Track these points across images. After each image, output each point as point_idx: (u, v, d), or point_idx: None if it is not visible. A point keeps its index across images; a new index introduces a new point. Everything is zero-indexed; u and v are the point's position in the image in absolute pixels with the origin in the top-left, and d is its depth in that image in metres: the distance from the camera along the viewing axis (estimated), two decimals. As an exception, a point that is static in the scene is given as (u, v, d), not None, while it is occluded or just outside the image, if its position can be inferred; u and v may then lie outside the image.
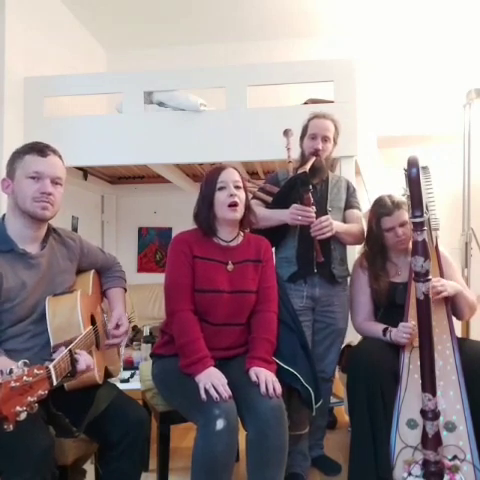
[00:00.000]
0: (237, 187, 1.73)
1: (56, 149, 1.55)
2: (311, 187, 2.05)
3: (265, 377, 1.56)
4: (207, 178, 1.76)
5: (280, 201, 2.11)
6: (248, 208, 1.79)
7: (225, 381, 1.54)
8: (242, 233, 1.83)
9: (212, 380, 1.51)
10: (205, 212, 1.74)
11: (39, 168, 1.47)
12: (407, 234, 1.99)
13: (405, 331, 1.80)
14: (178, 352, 1.66)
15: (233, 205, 1.70)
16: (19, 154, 1.50)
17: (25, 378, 1.02)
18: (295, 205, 2.01)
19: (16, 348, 1.41)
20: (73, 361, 1.28)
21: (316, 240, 2.01)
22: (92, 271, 1.76)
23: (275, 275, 1.86)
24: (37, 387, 1.05)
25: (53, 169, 1.50)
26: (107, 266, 1.84)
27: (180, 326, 1.67)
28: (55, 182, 1.51)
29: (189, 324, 1.66)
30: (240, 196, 1.73)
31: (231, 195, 1.70)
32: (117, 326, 1.69)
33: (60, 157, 1.55)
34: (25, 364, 1.05)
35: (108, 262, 1.85)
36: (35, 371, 1.06)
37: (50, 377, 1.11)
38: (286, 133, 2.33)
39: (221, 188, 1.71)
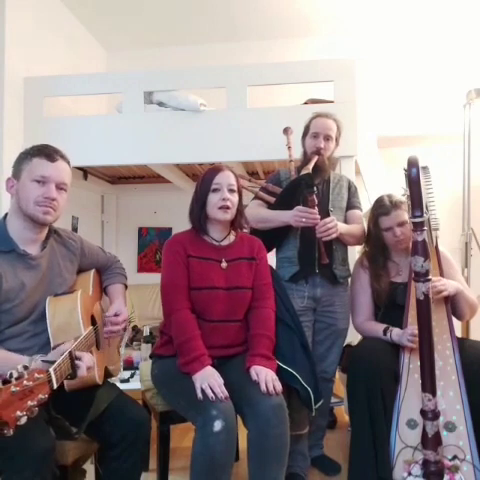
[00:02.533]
0: (231, 190, 1.75)
1: (65, 154, 1.54)
2: (315, 188, 2.04)
3: (265, 376, 1.57)
4: (203, 178, 1.78)
5: (284, 202, 2.10)
6: (240, 212, 1.81)
7: (221, 381, 1.54)
8: (234, 233, 1.85)
9: (208, 380, 1.52)
10: (197, 211, 1.76)
11: (46, 172, 1.46)
12: (406, 234, 1.98)
13: (412, 340, 1.78)
14: (176, 351, 1.67)
15: (225, 207, 1.72)
16: (27, 156, 1.48)
17: (25, 382, 1.01)
18: (299, 207, 2.01)
19: (15, 348, 1.41)
20: (73, 363, 1.27)
21: (321, 241, 2.01)
22: (92, 271, 1.76)
23: (270, 273, 1.88)
24: (37, 391, 1.04)
25: (60, 174, 1.49)
26: (108, 265, 1.84)
27: (178, 325, 1.67)
28: (60, 188, 1.50)
29: (187, 323, 1.67)
30: (233, 200, 1.75)
31: (224, 199, 1.72)
32: (115, 315, 1.66)
33: (68, 163, 1.54)
34: (25, 368, 1.04)
35: (109, 261, 1.85)
36: (35, 375, 1.05)
37: (50, 381, 1.11)
38: (286, 131, 2.33)
39: (215, 190, 1.73)
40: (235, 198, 1.76)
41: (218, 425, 1.42)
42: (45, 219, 1.49)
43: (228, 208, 1.72)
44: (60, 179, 1.49)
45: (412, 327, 1.81)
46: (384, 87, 3.82)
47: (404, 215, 1.97)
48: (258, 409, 1.51)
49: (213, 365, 1.61)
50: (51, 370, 1.12)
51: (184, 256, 1.73)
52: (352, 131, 2.70)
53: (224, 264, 1.76)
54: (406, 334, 1.81)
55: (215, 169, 1.77)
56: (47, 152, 1.48)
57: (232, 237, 1.83)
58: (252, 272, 1.80)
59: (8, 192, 1.51)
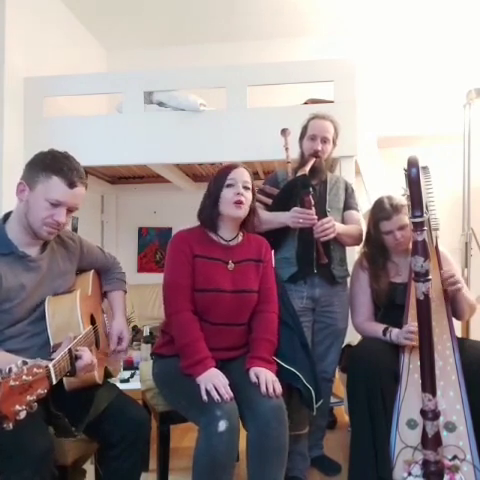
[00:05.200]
0: (246, 188, 1.73)
1: (84, 176, 1.50)
2: (311, 189, 2.04)
3: (265, 377, 1.56)
4: (217, 174, 1.76)
5: (281, 203, 2.10)
6: (253, 211, 1.79)
7: (226, 382, 1.54)
8: (242, 233, 1.82)
9: (213, 381, 1.51)
10: (210, 208, 1.73)
11: (62, 198, 1.44)
12: (406, 237, 1.98)
13: (409, 337, 1.79)
14: (179, 353, 1.66)
15: (238, 203, 1.70)
16: (48, 168, 1.43)
17: (24, 377, 1.02)
18: (296, 208, 2.01)
19: (14, 348, 1.41)
20: (72, 360, 1.28)
21: (319, 242, 2.01)
22: (91, 271, 1.75)
23: (274, 276, 1.86)
24: (36, 386, 1.05)
25: (75, 200, 1.49)
26: (107, 266, 1.84)
27: (180, 327, 1.66)
28: (71, 210, 1.50)
29: (189, 325, 1.65)
30: (247, 196, 1.73)
31: (238, 194, 1.69)
32: (119, 340, 1.71)
33: (85, 185, 1.52)
34: (24, 363, 1.05)
35: (108, 262, 1.84)
36: (34, 370, 1.06)
37: (49, 376, 1.11)
38: (283, 132, 2.32)
39: (229, 185, 1.71)
40: (249, 195, 1.74)
41: (222, 425, 1.42)
42: (48, 238, 1.50)
43: (242, 203, 1.70)
44: (74, 205, 1.49)
45: (408, 325, 1.81)
46: (384, 87, 3.82)
47: (405, 219, 1.96)
48: (258, 411, 1.51)
49: (216, 367, 1.60)
50: (50, 365, 1.13)
51: (190, 255, 1.70)
52: (352, 131, 2.70)
53: (231, 265, 1.73)
54: (403, 332, 1.81)
55: (230, 166, 1.76)
56: (69, 178, 1.44)
57: (240, 237, 1.81)
58: (259, 274, 1.78)
59: (17, 195, 1.48)
